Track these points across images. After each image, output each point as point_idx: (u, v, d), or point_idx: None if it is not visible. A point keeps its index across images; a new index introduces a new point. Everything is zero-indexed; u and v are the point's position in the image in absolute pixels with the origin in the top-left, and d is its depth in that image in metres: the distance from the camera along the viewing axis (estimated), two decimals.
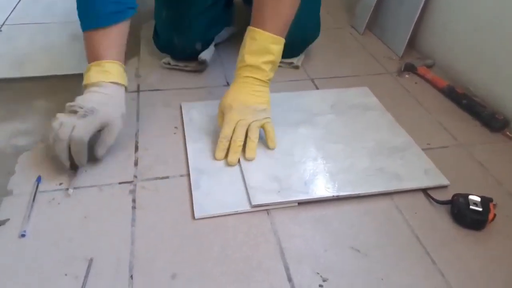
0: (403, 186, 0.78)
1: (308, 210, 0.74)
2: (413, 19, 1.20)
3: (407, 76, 1.16)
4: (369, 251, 0.67)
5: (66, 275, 0.62)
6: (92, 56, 0.81)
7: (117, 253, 0.65)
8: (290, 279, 0.63)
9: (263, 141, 0.85)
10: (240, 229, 0.70)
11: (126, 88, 0.83)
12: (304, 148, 0.86)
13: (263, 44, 0.82)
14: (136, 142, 0.88)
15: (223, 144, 0.81)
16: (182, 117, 0.95)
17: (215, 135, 0.86)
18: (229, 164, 0.80)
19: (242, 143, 0.81)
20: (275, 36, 0.82)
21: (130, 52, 1.21)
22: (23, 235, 0.67)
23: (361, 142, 0.88)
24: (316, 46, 1.21)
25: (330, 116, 0.96)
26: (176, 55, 1.12)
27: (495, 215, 0.71)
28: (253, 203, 0.73)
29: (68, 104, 0.77)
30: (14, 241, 0.67)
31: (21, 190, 0.75)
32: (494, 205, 0.72)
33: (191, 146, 0.86)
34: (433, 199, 0.76)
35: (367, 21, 1.37)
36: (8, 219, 0.70)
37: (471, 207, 0.71)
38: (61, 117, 0.75)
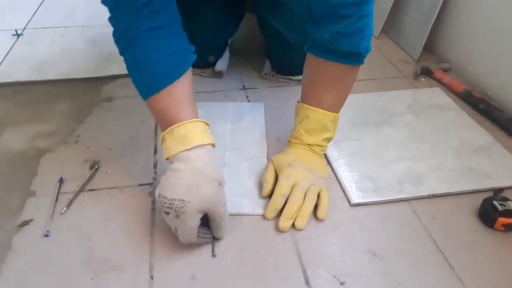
0: (496, 184, 0.79)
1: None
2: (430, 23, 1.20)
3: (423, 80, 1.16)
4: (386, 255, 0.68)
5: (87, 275, 0.63)
6: (164, 123, 0.67)
7: (137, 254, 0.67)
8: (307, 282, 0.63)
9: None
10: (257, 232, 0.71)
11: (213, 145, 0.68)
12: (390, 147, 0.88)
13: (323, 123, 0.77)
14: (155, 144, 0.89)
15: (278, 203, 0.72)
16: None
17: (217, 137, 0.85)
18: (281, 231, 0.70)
19: (299, 208, 0.72)
20: (334, 114, 0.78)
21: None
22: (46, 235, 0.69)
23: (445, 141, 0.90)
24: None
25: (409, 117, 0.98)
26: (192, 67, 1.13)
27: None
28: (353, 201, 0.75)
29: (158, 196, 0.63)
30: (37, 241, 0.68)
31: (44, 191, 0.77)
32: None
33: None
34: None
35: (382, 24, 1.37)
36: (31, 219, 0.72)
37: None
38: (165, 219, 0.64)
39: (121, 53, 0.69)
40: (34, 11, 1.51)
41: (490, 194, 0.76)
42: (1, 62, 1.18)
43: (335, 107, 0.78)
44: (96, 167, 0.82)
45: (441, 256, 0.68)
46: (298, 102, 0.81)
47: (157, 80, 0.67)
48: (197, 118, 0.68)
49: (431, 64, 1.20)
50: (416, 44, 1.25)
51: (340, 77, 0.76)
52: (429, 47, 1.28)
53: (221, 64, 1.14)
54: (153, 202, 0.76)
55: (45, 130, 0.93)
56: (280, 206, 0.72)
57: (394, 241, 0.70)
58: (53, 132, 0.92)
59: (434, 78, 1.15)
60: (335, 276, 0.64)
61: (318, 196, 0.74)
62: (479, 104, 1.01)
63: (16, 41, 1.30)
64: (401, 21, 1.34)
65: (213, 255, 0.67)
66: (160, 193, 0.63)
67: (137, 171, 0.82)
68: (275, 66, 1.12)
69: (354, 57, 0.73)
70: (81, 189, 0.77)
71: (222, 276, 0.64)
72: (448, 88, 1.11)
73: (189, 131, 0.65)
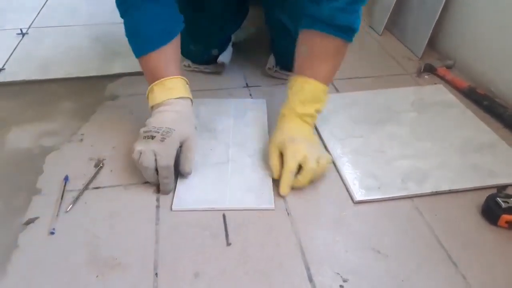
0: (499, 182, 0.79)
1: (327, 211, 0.75)
2: (434, 19, 1.19)
3: (426, 77, 1.15)
4: (389, 252, 0.68)
5: (92, 273, 0.64)
6: (152, 77, 0.81)
7: (142, 251, 0.67)
8: (311, 280, 0.64)
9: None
10: (260, 229, 0.71)
11: (191, 100, 0.83)
12: (393, 145, 0.89)
13: (316, 94, 0.83)
14: None
15: (289, 180, 0.76)
16: None
17: (220, 133, 0.91)
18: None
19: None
20: (326, 86, 0.84)
21: None
22: (52, 233, 0.70)
23: (448, 139, 0.90)
24: None
25: (412, 114, 0.98)
26: (195, 60, 1.15)
27: None
28: (356, 199, 0.76)
29: (143, 130, 0.77)
30: (43, 238, 0.69)
31: (49, 189, 0.78)
32: None
33: None
34: None
35: (385, 21, 1.37)
36: (37, 217, 0.73)
37: None
38: (139, 145, 0.75)
39: (122, 16, 0.82)
40: (39, 10, 1.52)
41: (494, 191, 0.76)
42: (6, 61, 1.19)
43: (327, 79, 0.84)
44: (100, 165, 0.83)
45: (444, 253, 0.68)
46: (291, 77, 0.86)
47: (150, 41, 0.81)
48: (182, 75, 0.82)
49: (434, 61, 1.20)
50: (420, 41, 1.25)
51: (335, 51, 0.83)
52: (433, 44, 1.27)
53: (224, 56, 1.14)
54: (158, 200, 0.76)
55: (50, 128, 0.94)
56: (291, 183, 0.76)
57: (397, 238, 0.70)
58: (58, 131, 0.93)
59: (438, 75, 1.15)
60: (338, 273, 0.64)
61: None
62: (483, 101, 1.01)
63: (21, 40, 1.31)
64: (405, 18, 1.33)
65: (228, 244, 0.69)
66: (147, 125, 0.77)
67: None
68: (279, 61, 1.12)
69: (349, 33, 0.80)
70: (86, 187, 0.78)
71: (226, 273, 0.64)
72: (452, 85, 1.10)
73: (175, 85, 0.81)
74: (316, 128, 0.94)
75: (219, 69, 1.14)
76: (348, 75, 1.15)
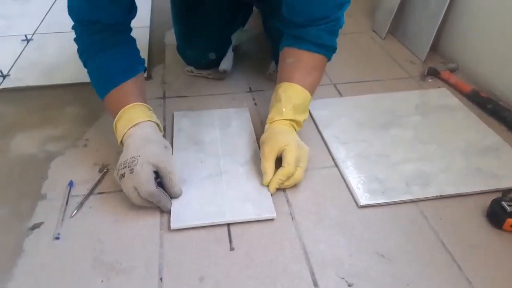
0: (504, 185, 0.79)
1: (331, 215, 0.75)
2: (437, 23, 1.19)
3: (430, 80, 1.15)
4: (394, 256, 0.68)
5: (97, 278, 0.64)
6: (114, 113, 0.79)
7: (146, 256, 0.67)
8: (316, 284, 0.64)
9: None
10: (264, 234, 0.71)
11: (155, 122, 0.79)
12: (398, 149, 0.89)
13: (306, 102, 0.86)
14: None
15: (281, 182, 0.78)
16: (172, 126, 0.95)
17: (208, 144, 0.89)
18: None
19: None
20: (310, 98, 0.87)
21: (156, 59, 1.25)
22: (57, 238, 0.70)
23: (452, 142, 0.90)
24: (337, 51, 1.21)
25: (416, 118, 0.98)
26: (194, 65, 1.15)
27: None
28: (361, 203, 0.76)
29: (115, 172, 0.73)
30: (48, 243, 0.69)
31: (54, 194, 0.78)
32: None
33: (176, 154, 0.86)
34: None
35: (388, 25, 1.37)
36: (42, 222, 0.73)
37: None
38: (123, 188, 0.72)
39: (84, 65, 0.85)
40: (43, 16, 1.53)
41: (499, 195, 0.75)
42: (11, 67, 1.20)
43: (312, 90, 0.87)
44: (105, 170, 0.83)
45: (449, 257, 0.68)
46: (277, 83, 0.88)
47: (110, 81, 0.81)
48: (143, 101, 0.80)
49: (438, 64, 1.20)
50: (423, 45, 1.25)
51: (319, 66, 0.88)
52: (436, 48, 1.27)
53: (225, 63, 1.13)
54: None
55: (55, 134, 0.94)
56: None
57: (402, 242, 0.70)
58: (62, 136, 0.94)
59: (441, 79, 1.15)
60: (343, 278, 0.64)
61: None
62: (487, 104, 1.01)
63: (25, 46, 1.32)
64: (408, 22, 1.33)
65: (231, 249, 0.68)
66: (116, 167, 0.73)
67: None
68: None
69: (331, 51, 0.89)
70: (91, 192, 0.78)
71: (231, 278, 0.64)
72: (455, 89, 1.10)
73: (133, 113, 0.77)
74: (319, 132, 0.94)
75: (221, 76, 1.15)
76: (351, 79, 1.16)
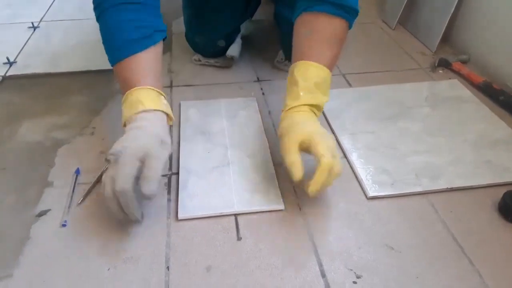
0: None
1: (340, 207, 0.74)
2: (448, 13, 1.17)
3: (441, 71, 1.13)
4: (403, 249, 0.67)
5: (104, 266, 0.64)
6: (124, 88, 0.72)
7: (153, 245, 0.67)
8: (323, 275, 0.63)
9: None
10: (272, 224, 0.71)
11: (165, 113, 0.72)
12: (406, 141, 0.87)
13: (326, 84, 0.75)
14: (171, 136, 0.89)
15: (325, 178, 0.66)
16: (179, 116, 0.95)
17: (215, 135, 0.87)
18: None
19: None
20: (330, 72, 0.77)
21: (163, 48, 1.23)
22: (64, 225, 0.70)
23: (462, 134, 0.89)
24: (347, 41, 1.19)
25: (426, 109, 0.96)
26: (202, 53, 1.14)
27: None
28: (369, 195, 0.75)
29: (105, 157, 0.67)
30: (55, 231, 0.69)
31: (61, 182, 0.78)
32: None
33: (183, 145, 0.86)
34: None
35: (399, 15, 1.35)
36: (49, 210, 0.73)
37: None
38: (104, 174, 0.66)
39: (97, 20, 0.77)
40: (50, 4, 1.52)
41: (510, 188, 0.74)
42: (18, 54, 1.19)
43: (333, 66, 0.77)
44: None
45: (459, 250, 0.67)
46: (291, 62, 0.78)
47: (123, 48, 0.73)
48: (158, 87, 0.73)
49: (449, 55, 1.17)
50: (434, 35, 1.22)
51: (340, 34, 0.77)
52: (447, 38, 1.25)
53: (233, 49, 1.12)
54: (169, 192, 0.76)
55: (61, 121, 0.94)
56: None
57: (411, 234, 0.69)
58: (69, 124, 0.93)
59: (452, 70, 1.13)
60: (351, 270, 0.64)
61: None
62: (499, 96, 0.99)
63: (32, 33, 1.31)
64: (418, 12, 1.31)
65: (238, 238, 0.68)
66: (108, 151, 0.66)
67: None
68: (288, 56, 1.11)
69: (353, 14, 0.76)
70: (98, 180, 0.78)
71: (237, 268, 0.64)
72: (467, 80, 1.08)
73: (141, 97, 0.70)
74: (328, 122, 0.93)
75: (229, 63, 1.13)
76: (360, 69, 1.14)
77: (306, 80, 0.73)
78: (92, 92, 1.04)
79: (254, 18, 1.22)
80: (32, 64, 1.15)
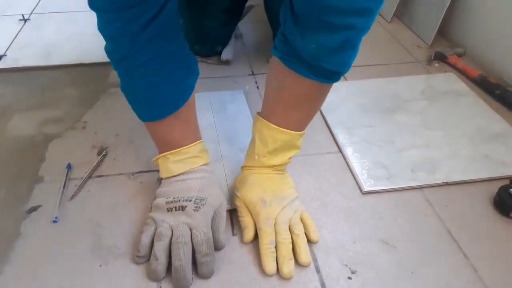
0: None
1: (335, 202, 0.73)
2: (444, 6, 1.16)
3: (437, 65, 1.13)
4: (398, 244, 0.66)
5: (95, 262, 0.63)
6: (164, 145, 0.68)
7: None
8: (318, 271, 0.62)
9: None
10: None
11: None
12: (404, 135, 0.87)
13: (291, 143, 0.67)
14: None
15: (272, 252, 0.62)
16: None
17: (204, 130, 0.78)
18: (287, 278, 0.61)
19: (290, 246, 0.63)
20: (302, 132, 0.68)
21: None
22: (55, 221, 0.69)
23: (459, 128, 0.88)
24: None
25: (423, 103, 0.96)
26: (200, 55, 1.12)
27: None
28: (365, 189, 0.74)
29: (163, 200, 0.65)
30: (46, 227, 0.68)
31: (52, 177, 0.77)
32: None
33: None
34: None
35: (395, 8, 1.34)
36: (40, 205, 0.72)
37: None
38: (160, 216, 0.63)
39: (115, 68, 0.65)
40: None
41: (506, 182, 0.74)
42: (8, 47, 1.17)
43: (303, 126, 0.68)
44: (104, 153, 0.81)
45: (455, 245, 0.66)
46: (258, 113, 0.69)
47: (162, 108, 0.66)
48: (199, 139, 0.70)
49: (445, 48, 1.17)
50: (430, 28, 1.22)
51: (314, 96, 0.65)
52: (443, 32, 1.24)
53: (227, 53, 1.12)
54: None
55: (53, 115, 0.92)
56: (275, 254, 0.62)
57: (406, 229, 0.69)
58: (61, 118, 0.92)
59: (448, 63, 1.12)
60: (346, 265, 0.63)
61: (304, 219, 0.67)
62: (495, 90, 0.99)
63: (23, 26, 1.29)
64: (414, 5, 1.30)
65: (233, 234, 0.68)
66: (161, 196, 0.66)
67: (145, 157, 0.81)
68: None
69: (333, 77, 0.61)
70: (89, 176, 0.77)
71: (233, 263, 0.63)
72: (463, 73, 1.08)
73: (195, 153, 0.68)
74: (323, 117, 0.92)
75: (227, 62, 1.12)
76: (356, 63, 1.10)
77: (263, 142, 0.67)
78: (84, 86, 1.02)
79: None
80: (22, 57, 1.13)
